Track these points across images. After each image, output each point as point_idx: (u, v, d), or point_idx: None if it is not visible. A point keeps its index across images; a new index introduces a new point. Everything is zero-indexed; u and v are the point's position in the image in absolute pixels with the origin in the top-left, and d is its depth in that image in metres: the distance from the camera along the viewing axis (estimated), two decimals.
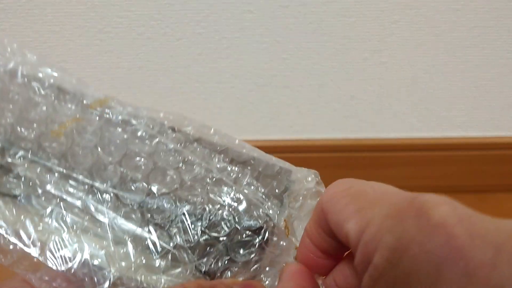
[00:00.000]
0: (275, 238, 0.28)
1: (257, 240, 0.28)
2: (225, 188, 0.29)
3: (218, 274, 0.27)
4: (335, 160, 0.75)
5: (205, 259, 0.27)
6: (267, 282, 0.28)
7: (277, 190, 0.30)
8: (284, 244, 0.28)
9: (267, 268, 0.28)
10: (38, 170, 0.28)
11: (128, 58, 0.68)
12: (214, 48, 0.67)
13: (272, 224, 0.28)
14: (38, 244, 0.26)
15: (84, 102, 0.31)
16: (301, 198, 0.30)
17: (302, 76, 0.70)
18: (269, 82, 0.70)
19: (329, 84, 0.71)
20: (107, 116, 0.31)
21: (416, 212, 0.19)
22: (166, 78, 0.69)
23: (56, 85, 0.31)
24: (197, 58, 0.68)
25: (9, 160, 0.28)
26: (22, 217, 0.27)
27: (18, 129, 0.29)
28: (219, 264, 0.27)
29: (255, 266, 0.28)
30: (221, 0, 0.64)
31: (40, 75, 0.31)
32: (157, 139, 0.30)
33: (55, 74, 0.31)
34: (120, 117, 0.31)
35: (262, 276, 0.28)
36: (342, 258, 0.25)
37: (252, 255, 0.28)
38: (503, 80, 0.72)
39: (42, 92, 0.31)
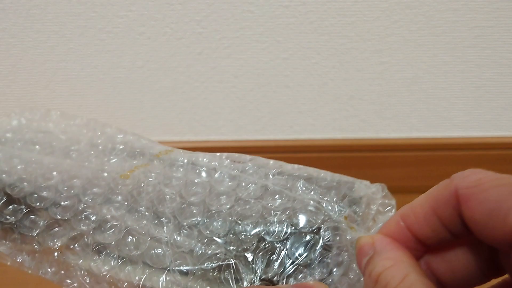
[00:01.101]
0: (337, 238, 0.28)
1: (317, 240, 0.28)
2: (280, 196, 0.30)
3: (283, 280, 0.27)
4: (335, 160, 0.75)
5: (266, 267, 0.28)
6: (330, 280, 0.28)
7: (336, 197, 0.30)
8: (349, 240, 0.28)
9: (334, 269, 0.28)
10: (108, 208, 0.31)
11: (128, 58, 0.68)
12: (215, 48, 0.67)
13: (332, 223, 0.28)
14: (110, 270, 0.30)
15: (151, 152, 0.35)
16: (363, 206, 0.30)
17: (302, 76, 0.70)
18: (269, 82, 0.70)
19: (329, 84, 0.71)
20: (170, 161, 0.34)
21: None
22: (166, 77, 0.69)
23: (129, 145, 0.36)
24: (197, 58, 0.68)
25: (83, 205, 0.32)
26: (91, 249, 0.31)
27: (94, 180, 0.33)
28: (282, 269, 0.28)
29: (319, 267, 0.28)
30: (221, 0, 0.64)
31: (117, 140, 0.36)
32: (216, 172, 0.33)
33: (129, 137, 0.36)
34: (180, 160, 0.34)
35: (327, 277, 0.28)
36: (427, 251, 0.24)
37: (314, 256, 0.28)
38: (503, 80, 0.72)
39: (116, 152, 0.35)
